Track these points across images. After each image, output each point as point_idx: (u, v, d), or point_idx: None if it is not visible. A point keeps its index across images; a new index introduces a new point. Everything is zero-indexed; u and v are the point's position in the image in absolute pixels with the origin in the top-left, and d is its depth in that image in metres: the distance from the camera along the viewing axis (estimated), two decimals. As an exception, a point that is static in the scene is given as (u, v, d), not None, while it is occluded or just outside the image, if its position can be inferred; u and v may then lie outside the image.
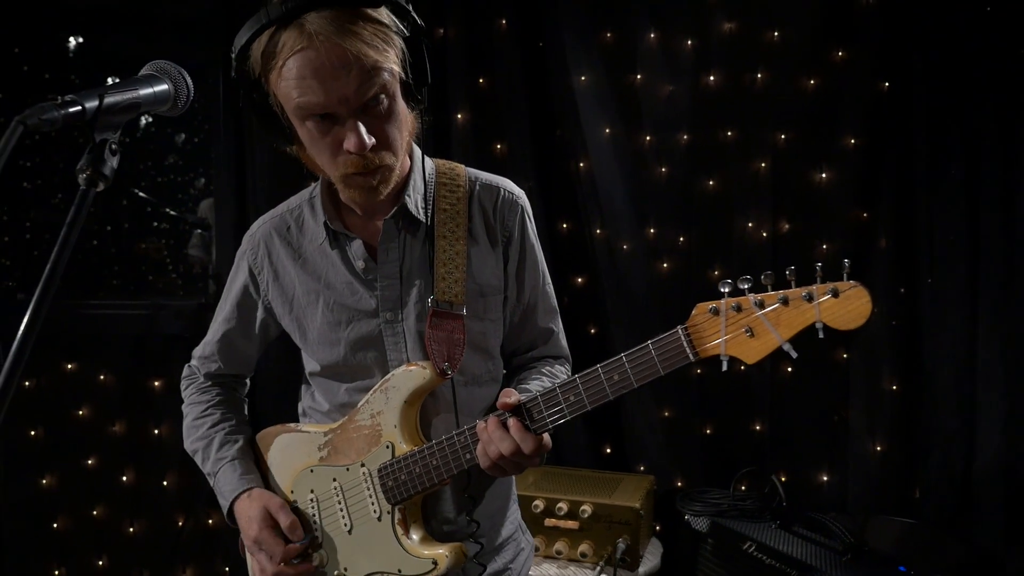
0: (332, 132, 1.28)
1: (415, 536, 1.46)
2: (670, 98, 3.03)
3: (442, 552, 1.43)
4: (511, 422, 1.29)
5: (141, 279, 4.10)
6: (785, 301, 1.11)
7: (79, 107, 1.00)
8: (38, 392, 3.18)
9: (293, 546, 1.49)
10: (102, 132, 1.03)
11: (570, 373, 1.62)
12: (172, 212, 3.99)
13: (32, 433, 3.18)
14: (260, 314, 1.61)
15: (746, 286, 1.13)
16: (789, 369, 2.98)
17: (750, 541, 2.41)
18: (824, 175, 2.95)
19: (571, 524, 2.51)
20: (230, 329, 1.64)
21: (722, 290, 1.15)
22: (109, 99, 1.04)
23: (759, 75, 2.96)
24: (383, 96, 1.26)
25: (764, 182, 2.98)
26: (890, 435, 2.88)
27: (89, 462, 3.20)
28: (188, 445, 1.67)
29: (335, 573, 1.52)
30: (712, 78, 3.00)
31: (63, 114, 0.98)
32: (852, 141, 2.91)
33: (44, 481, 3.19)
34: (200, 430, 1.64)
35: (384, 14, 1.26)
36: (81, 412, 3.20)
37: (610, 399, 1.26)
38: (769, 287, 1.12)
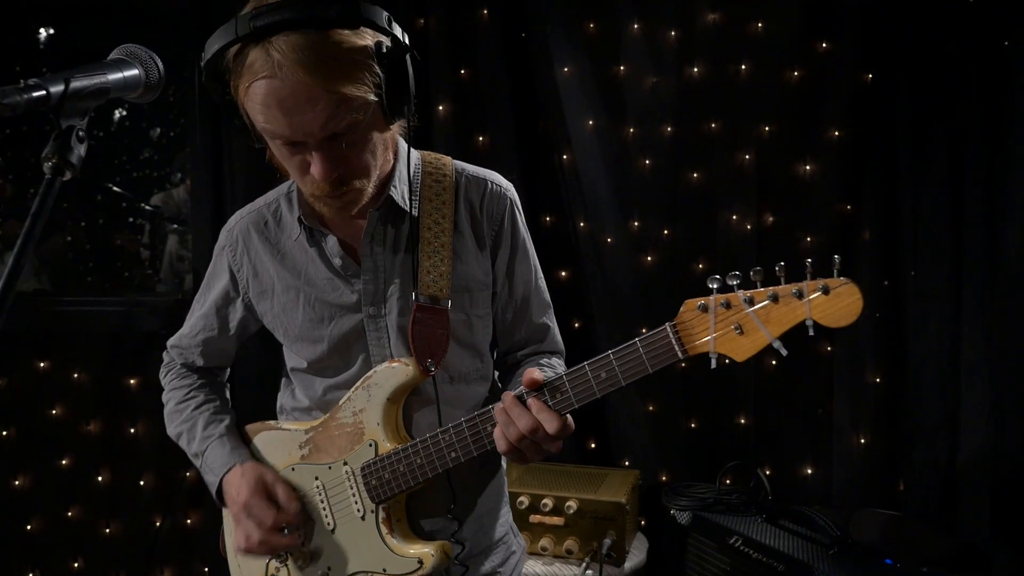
0: (300, 155, 1.25)
1: (400, 535, 1.43)
2: (654, 90, 3.01)
3: (427, 551, 1.40)
4: (533, 403, 1.24)
5: (117, 275, 4.02)
6: (775, 298, 1.08)
7: (43, 91, 0.95)
8: (10, 391, 3.11)
9: (284, 515, 1.44)
10: (68, 118, 0.99)
11: (565, 368, 1.59)
12: (147, 207, 3.92)
13: (3, 433, 3.11)
14: (240, 312, 1.57)
15: (735, 282, 1.10)
16: (773, 363, 2.97)
17: (736, 535, 2.40)
18: (808, 167, 2.95)
19: (556, 520, 2.49)
20: (208, 326, 1.61)
21: (711, 286, 1.13)
22: (75, 84, 0.99)
23: (743, 67, 2.95)
24: (354, 126, 1.21)
25: (748, 174, 2.97)
26: (874, 428, 2.89)
27: (63, 462, 3.13)
28: (171, 430, 1.62)
29: (319, 573, 1.48)
30: (696, 70, 2.99)
31: (26, 99, 0.93)
32: (836, 133, 2.91)
33: (17, 482, 3.11)
34: (183, 413, 1.60)
35: (362, 35, 1.18)
36: (54, 411, 3.12)
37: (597, 397, 1.23)
38: (759, 284, 1.09)
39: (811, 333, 1.06)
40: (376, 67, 1.19)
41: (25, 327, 3.15)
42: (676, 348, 1.15)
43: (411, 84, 1.23)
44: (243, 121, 1.26)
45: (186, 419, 1.60)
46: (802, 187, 2.95)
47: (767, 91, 2.94)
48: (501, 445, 1.27)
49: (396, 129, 1.36)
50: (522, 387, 1.26)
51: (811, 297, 1.06)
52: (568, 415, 1.25)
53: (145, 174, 4.21)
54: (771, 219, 2.99)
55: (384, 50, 1.19)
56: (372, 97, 1.19)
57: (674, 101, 3.00)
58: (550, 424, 1.22)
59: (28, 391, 3.12)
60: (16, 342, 3.11)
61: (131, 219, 4.04)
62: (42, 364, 3.13)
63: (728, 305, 1.11)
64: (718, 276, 1.12)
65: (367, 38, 1.19)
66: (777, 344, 1.09)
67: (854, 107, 2.88)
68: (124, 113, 4.19)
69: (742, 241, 2.98)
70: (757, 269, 1.08)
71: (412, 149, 1.46)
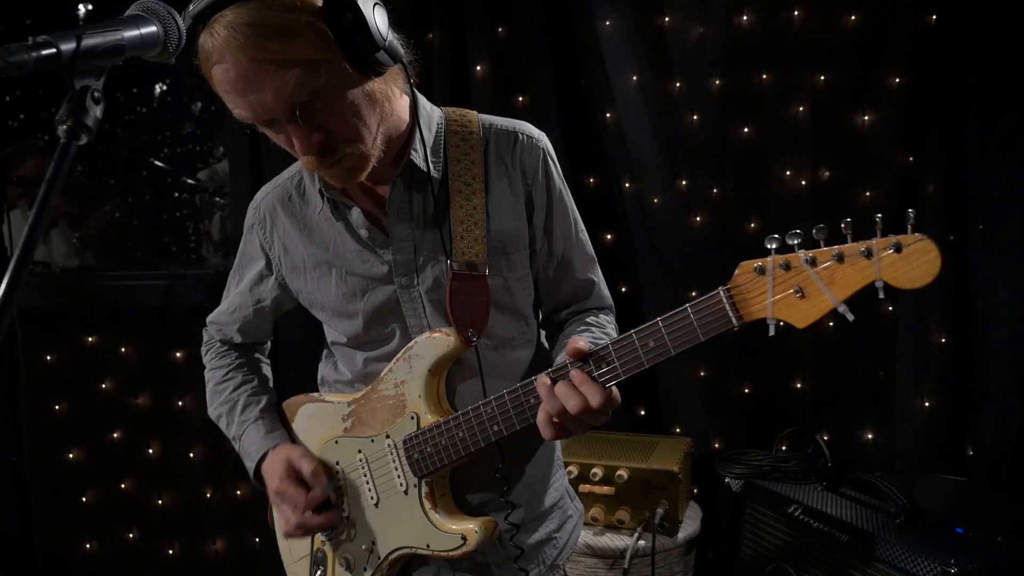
0: (282, 132, 1.19)
1: (443, 510, 1.38)
2: (701, 41, 2.87)
3: (471, 527, 1.35)
4: (576, 375, 1.16)
5: (164, 250, 4.06)
6: (840, 258, 0.98)
7: (53, 49, 0.89)
8: (60, 366, 3.14)
9: (315, 494, 1.43)
10: (83, 78, 0.93)
11: (615, 324, 1.51)
12: (191, 181, 3.93)
13: (56, 408, 3.15)
14: (275, 291, 1.55)
15: (796, 241, 1.00)
16: (831, 324, 2.84)
17: (795, 504, 2.31)
18: (867, 118, 2.79)
19: (607, 490, 2.43)
20: (243, 304, 1.59)
21: (768, 246, 1.03)
22: (88, 41, 0.93)
23: (796, 12, 2.80)
24: (317, 93, 1.13)
25: (803, 127, 2.83)
26: (939, 390, 2.75)
27: (115, 435, 3.17)
28: (212, 411, 1.62)
29: (362, 547, 1.45)
30: (745, 18, 2.84)
31: (35, 56, 0.87)
32: (897, 80, 2.74)
33: (71, 455, 3.17)
34: (222, 395, 1.60)
35: None
36: (104, 385, 3.16)
37: (645, 367, 1.15)
38: (822, 242, 0.99)
39: (881, 296, 0.96)
40: (319, 21, 1.10)
41: (73, 303, 3.19)
42: (731, 314, 1.06)
43: (376, 28, 1.12)
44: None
45: (224, 401, 1.59)
46: (861, 139, 2.80)
47: (822, 38, 2.78)
48: (545, 427, 1.20)
49: (400, 82, 1.28)
50: (565, 356, 1.19)
51: (881, 256, 0.96)
52: (614, 387, 1.18)
53: (188, 149, 4.23)
54: (827, 174, 2.85)
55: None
56: (325, 55, 1.11)
57: (722, 52, 2.86)
58: (594, 397, 1.15)
59: (78, 366, 3.15)
60: (64, 318, 3.15)
61: (176, 194, 4.07)
62: (90, 339, 3.16)
63: (788, 266, 1.02)
64: (777, 235, 1.02)
65: None
66: (843, 308, 0.99)
67: (916, 52, 2.71)
68: (165, 88, 4.19)
69: (796, 198, 2.85)
70: (820, 227, 0.98)
71: (434, 107, 1.39)
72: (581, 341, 1.18)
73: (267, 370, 1.69)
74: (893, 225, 0.96)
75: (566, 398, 1.16)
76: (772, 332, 1.04)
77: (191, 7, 1.10)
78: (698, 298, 1.09)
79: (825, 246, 1.00)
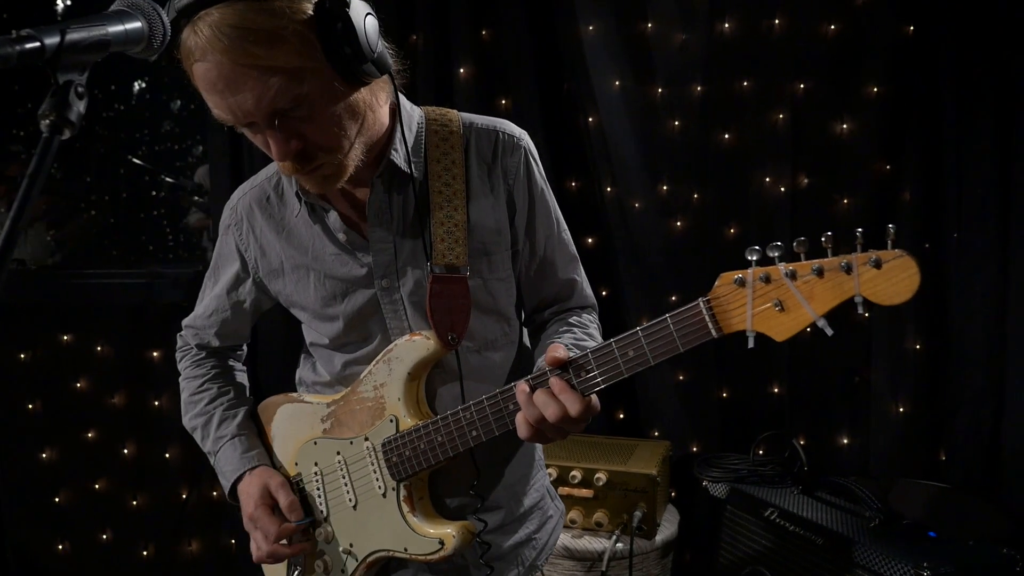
0: (260, 134, 1.17)
1: (421, 514, 1.38)
2: (683, 47, 2.88)
3: (449, 532, 1.35)
4: (555, 383, 1.17)
5: (141, 248, 4.01)
6: (820, 272, 0.98)
7: (37, 43, 0.88)
8: (35, 364, 3.10)
9: (288, 526, 1.42)
10: (66, 73, 0.92)
11: (598, 323, 1.51)
12: (170, 179, 3.89)
13: (30, 407, 3.11)
14: (252, 293, 1.52)
15: (776, 254, 1.00)
16: (808, 329, 2.86)
17: (772, 508, 2.33)
18: (845, 126, 2.82)
19: (585, 492, 2.43)
20: (221, 307, 1.56)
21: (749, 258, 1.03)
22: (72, 36, 0.92)
23: (777, 21, 2.82)
24: (299, 101, 1.12)
25: (783, 134, 2.85)
26: (914, 396, 2.79)
27: (89, 435, 3.12)
28: (187, 422, 1.60)
29: (340, 549, 1.44)
30: (727, 25, 2.86)
31: (18, 50, 0.86)
32: (875, 89, 2.78)
33: (44, 455, 3.12)
34: (198, 407, 1.57)
35: None
36: (79, 384, 3.12)
37: (624, 376, 1.15)
38: (802, 255, 0.99)
39: (860, 311, 0.96)
40: (307, 30, 1.09)
41: (47, 300, 3.15)
42: (710, 326, 1.06)
43: (365, 38, 1.11)
44: None
45: (200, 413, 1.56)
46: (839, 147, 2.83)
47: (802, 46, 2.80)
48: (522, 430, 1.20)
49: (385, 90, 1.27)
50: (544, 364, 1.19)
51: (861, 271, 0.96)
52: (594, 395, 1.18)
53: (167, 147, 4.18)
54: (806, 181, 2.87)
55: (327, 5, 1.09)
56: (310, 63, 1.10)
57: (704, 59, 2.87)
58: (573, 406, 1.15)
59: (52, 364, 3.11)
60: (39, 315, 3.10)
61: (153, 192, 4.02)
62: (65, 337, 3.12)
63: (768, 279, 1.02)
64: (757, 247, 1.02)
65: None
66: (822, 323, 0.99)
67: (894, 62, 2.75)
68: (144, 86, 4.15)
69: (776, 204, 2.87)
70: (801, 239, 0.98)
71: (414, 106, 1.38)
72: (560, 350, 1.18)
73: (243, 378, 1.66)
74: (874, 240, 0.97)
75: (544, 406, 1.16)
76: (751, 344, 1.04)
77: (176, 0, 1.08)
78: (678, 307, 1.09)
79: (806, 259, 1.00)
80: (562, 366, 1.17)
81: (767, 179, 2.88)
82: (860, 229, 0.96)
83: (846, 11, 2.77)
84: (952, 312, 2.71)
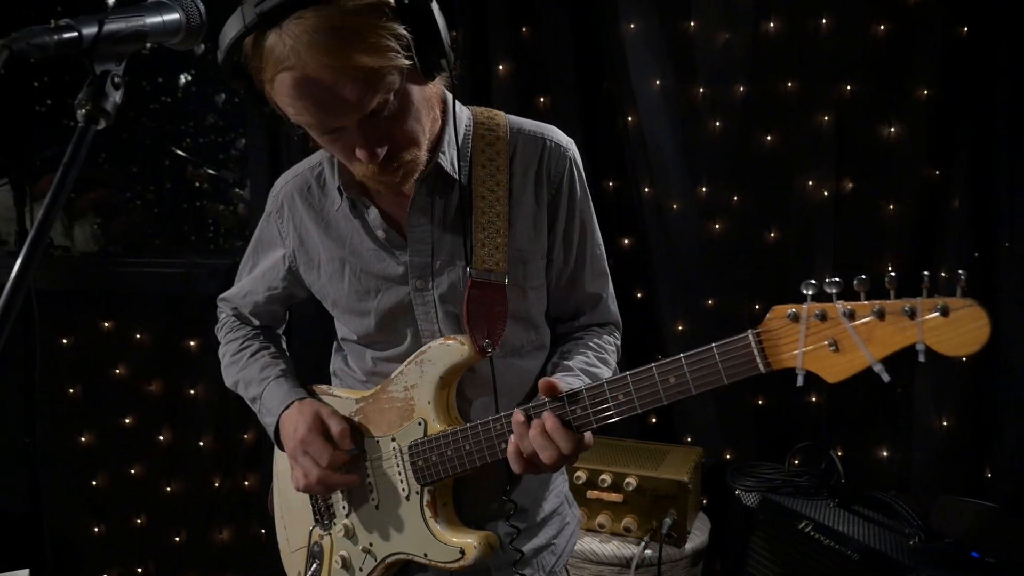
0: (341, 139, 1.17)
1: (444, 520, 1.36)
2: (726, 47, 2.83)
3: (470, 541, 1.33)
4: (548, 419, 1.17)
5: (183, 238, 4.08)
6: (881, 314, 0.93)
7: (75, 33, 0.89)
8: (75, 349, 3.16)
9: (340, 453, 1.37)
10: (103, 63, 0.93)
11: (619, 342, 1.49)
12: (212, 171, 3.94)
13: (70, 391, 3.17)
14: (288, 280, 1.53)
15: (834, 290, 0.96)
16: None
17: (806, 520, 2.27)
18: (893, 129, 2.74)
19: (615, 497, 2.40)
20: (255, 290, 1.58)
21: (805, 292, 0.98)
22: (110, 26, 0.93)
23: (824, 21, 2.75)
24: (389, 98, 1.12)
25: (827, 137, 2.78)
26: (959, 409, 2.70)
27: (126, 421, 3.18)
28: (229, 380, 1.59)
29: (360, 547, 1.44)
30: (772, 25, 2.79)
31: (56, 40, 0.87)
32: (925, 92, 2.69)
33: (83, 438, 3.18)
34: (240, 362, 1.57)
35: None
36: (118, 371, 3.17)
37: (664, 404, 1.12)
38: (863, 295, 0.95)
39: (921, 359, 0.91)
40: (399, 26, 1.09)
41: (90, 287, 3.21)
42: (758, 359, 1.03)
43: (443, 33, 1.12)
44: (275, 111, 1.18)
45: (243, 367, 1.56)
46: (886, 151, 2.74)
47: (850, 47, 2.73)
48: (515, 463, 1.21)
49: (440, 82, 1.26)
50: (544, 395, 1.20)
51: (926, 318, 0.90)
52: (587, 433, 1.20)
53: (210, 140, 4.24)
54: (851, 185, 2.80)
55: (406, 1, 1.09)
56: (403, 61, 1.10)
57: (748, 59, 2.81)
58: (565, 445, 1.17)
59: (92, 350, 3.17)
60: (81, 301, 3.17)
61: (196, 184, 4.08)
62: (106, 324, 3.18)
63: (823, 316, 0.97)
64: (813, 280, 0.97)
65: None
66: (879, 368, 0.95)
67: (946, 64, 2.66)
68: (189, 79, 4.21)
69: (818, 209, 2.80)
70: (862, 278, 0.94)
71: (463, 107, 1.37)
72: (559, 384, 1.19)
73: (284, 344, 1.67)
74: (944, 285, 0.91)
75: (542, 448, 1.18)
76: (800, 383, 1.00)
77: (255, 2, 1.06)
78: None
79: (866, 299, 0.95)
80: (556, 400, 1.18)
81: (810, 183, 2.81)
82: (926, 272, 0.91)
83: (897, 11, 2.69)
84: (1001, 324, 2.61)
